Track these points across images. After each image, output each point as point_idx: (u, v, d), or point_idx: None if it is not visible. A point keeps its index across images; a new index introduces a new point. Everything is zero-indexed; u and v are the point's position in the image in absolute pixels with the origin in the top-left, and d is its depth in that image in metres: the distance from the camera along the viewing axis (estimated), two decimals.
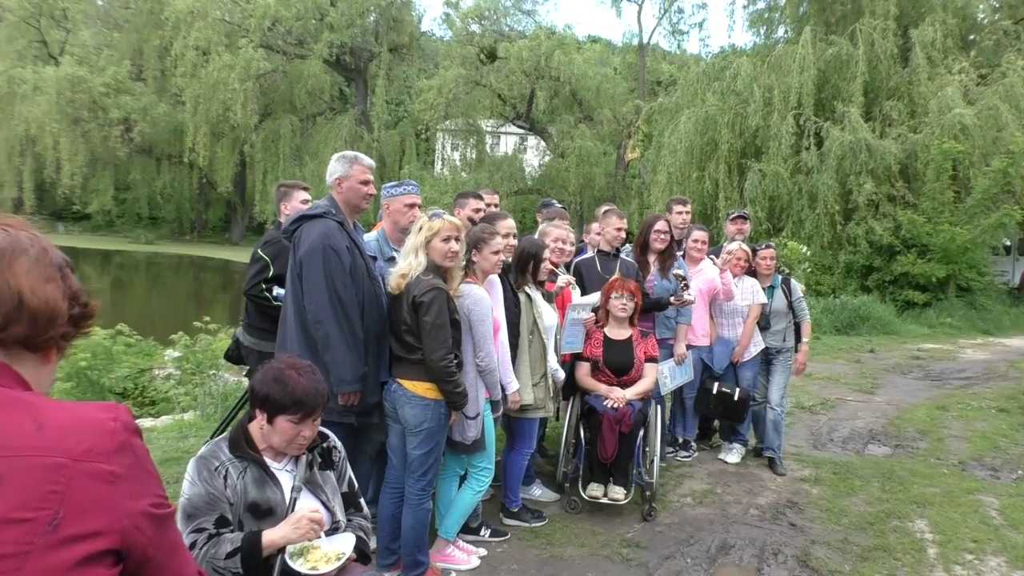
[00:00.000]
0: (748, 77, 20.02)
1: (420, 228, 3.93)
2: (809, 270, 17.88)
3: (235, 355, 4.86)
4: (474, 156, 35.76)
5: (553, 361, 4.99)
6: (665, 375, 5.94)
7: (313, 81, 35.80)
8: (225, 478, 2.60)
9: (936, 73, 19.56)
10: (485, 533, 4.75)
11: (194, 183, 42.80)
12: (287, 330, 3.92)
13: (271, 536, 2.53)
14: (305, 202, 4.92)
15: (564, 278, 5.36)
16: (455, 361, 3.85)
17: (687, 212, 6.85)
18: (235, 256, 38.30)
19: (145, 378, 8.97)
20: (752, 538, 4.96)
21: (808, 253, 18.30)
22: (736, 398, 6.33)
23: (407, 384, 3.89)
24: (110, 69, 36.25)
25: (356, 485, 3.00)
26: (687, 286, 5.82)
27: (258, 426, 2.71)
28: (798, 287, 6.74)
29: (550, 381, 4.89)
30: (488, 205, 5.61)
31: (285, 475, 2.73)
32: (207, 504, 2.55)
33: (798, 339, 6.65)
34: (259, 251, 4.48)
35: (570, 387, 5.49)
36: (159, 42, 35.64)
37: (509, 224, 4.86)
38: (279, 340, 4.05)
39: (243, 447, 2.70)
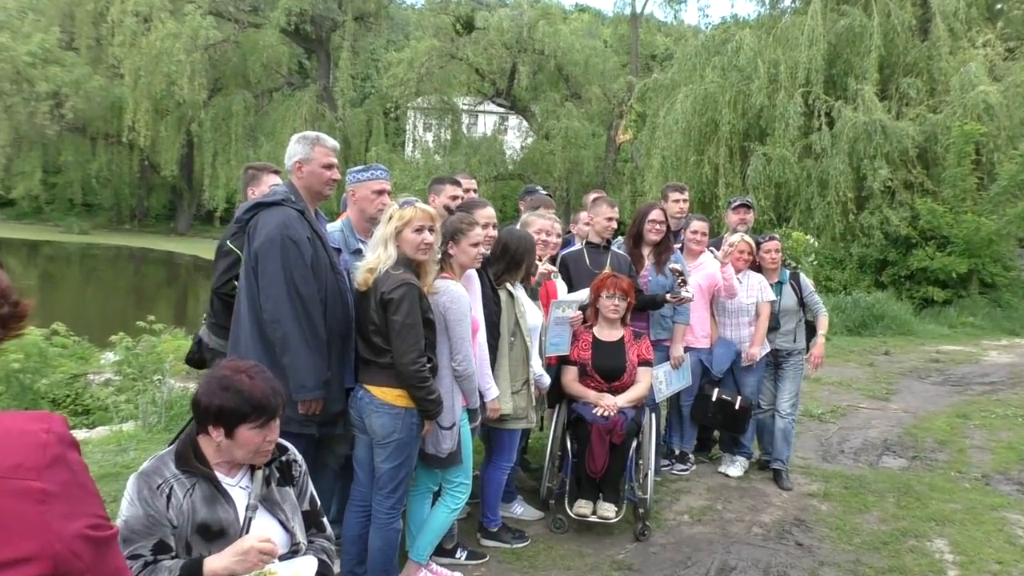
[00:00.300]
0: (752, 51, 20.08)
1: (390, 217, 3.92)
2: (817, 263, 17.97)
3: (197, 358, 4.80)
4: (449, 137, 35.73)
5: (537, 365, 5.00)
6: (660, 380, 5.96)
7: (269, 53, 35.58)
8: (168, 497, 2.56)
9: (959, 47, 19.69)
10: (461, 555, 4.75)
11: (134, 166, 42.42)
12: (240, 330, 3.89)
13: (213, 565, 2.50)
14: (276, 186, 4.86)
15: (545, 267, 5.35)
16: (428, 365, 3.85)
17: (685, 200, 6.87)
18: (181, 248, 38.07)
19: (79, 384, 8.88)
20: (755, 559, 5.00)
21: (816, 245, 18.39)
22: (737, 406, 6.35)
23: (375, 391, 3.88)
24: (36, 36, 35.81)
25: (318, 503, 2.99)
26: (685, 282, 5.82)
27: (214, 444, 2.67)
28: (809, 282, 6.78)
29: (533, 388, 4.90)
30: (466, 191, 5.60)
31: (239, 492, 2.72)
32: (145, 527, 2.51)
33: (809, 338, 6.69)
34: (228, 243, 4.44)
35: (555, 394, 5.50)
36: (93, 6, 35.30)
37: (489, 213, 4.85)
38: (231, 342, 4.02)
39: (192, 461, 2.66)
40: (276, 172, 5.02)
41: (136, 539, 2.50)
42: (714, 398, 6.35)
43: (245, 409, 2.61)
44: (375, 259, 3.88)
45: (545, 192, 6.97)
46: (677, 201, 6.80)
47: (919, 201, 17.86)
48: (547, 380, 5.17)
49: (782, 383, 6.59)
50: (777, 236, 6.85)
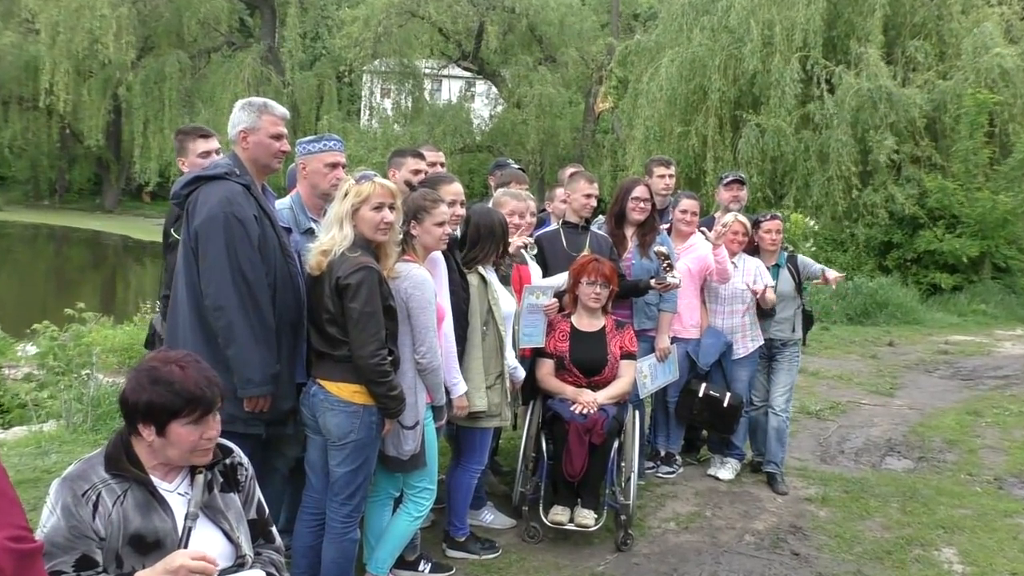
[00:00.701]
0: (744, 11, 20.07)
1: (345, 194, 3.90)
2: (814, 249, 18.03)
3: (152, 347, 4.80)
4: (410, 105, 35.47)
5: (511, 358, 5.01)
6: (645, 374, 5.98)
7: (206, 8, 35.17)
8: (95, 506, 2.54)
9: (972, 5, 19.78)
10: (425, 568, 4.76)
11: (54, 134, 41.81)
12: (178, 319, 3.86)
13: None
14: (205, 154, 4.80)
15: (520, 240, 5.33)
16: (389, 358, 3.84)
17: (671, 176, 6.91)
18: (108, 226, 37.66)
19: None
20: (748, 570, 5.06)
21: (816, 227, 18.42)
22: (725, 404, 6.38)
23: (330, 386, 3.88)
24: None
25: (266, 510, 2.99)
26: (671, 266, 5.81)
27: (146, 445, 2.66)
28: (806, 259, 6.84)
29: (507, 382, 4.91)
30: (432, 165, 5.59)
31: (178, 499, 2.71)
32: (67, 540, 2.49)
33: (807, 328, 6.75)
34: (173, 232, 4.43)
35: (530, 390, 5.51)
36: None
37: (456, 189, 4.84)
38: (167, 332, 4.00)
39: (123, 464, 2.64)
40: (206, 136, 4.95)
41: (57, 553, 2.47)
42: (701, 394, 6.38)
43: (177, 403, 2.59)
44: (329, 240, 3.86)
45: (517, 166, 6.96)
46: (663, 176, 6.83)
47: (928, 177, 17.97)
48: (522, 373, 5.18)
49: (776, 376, 6.64)
50: (780, 215, 6.87)
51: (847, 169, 18.17)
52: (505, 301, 4.93)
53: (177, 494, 2.72)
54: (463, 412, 4.62)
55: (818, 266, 6.82)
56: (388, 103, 36.39)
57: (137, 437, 2.66)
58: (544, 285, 5.45)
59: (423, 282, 4.10)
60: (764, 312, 6.51)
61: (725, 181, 7.06)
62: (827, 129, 18.57)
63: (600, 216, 6.51)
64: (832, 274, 6.64)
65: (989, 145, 18.10)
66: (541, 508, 5.30)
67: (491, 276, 4.86)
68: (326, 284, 3.82)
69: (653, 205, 6.18)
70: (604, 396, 5.32)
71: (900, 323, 15.64)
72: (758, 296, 6.30)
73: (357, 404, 3.85)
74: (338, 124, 31.97)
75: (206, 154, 4.79)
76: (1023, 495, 6.64)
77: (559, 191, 6.52)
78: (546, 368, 5.45)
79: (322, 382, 3.91)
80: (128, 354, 9.46)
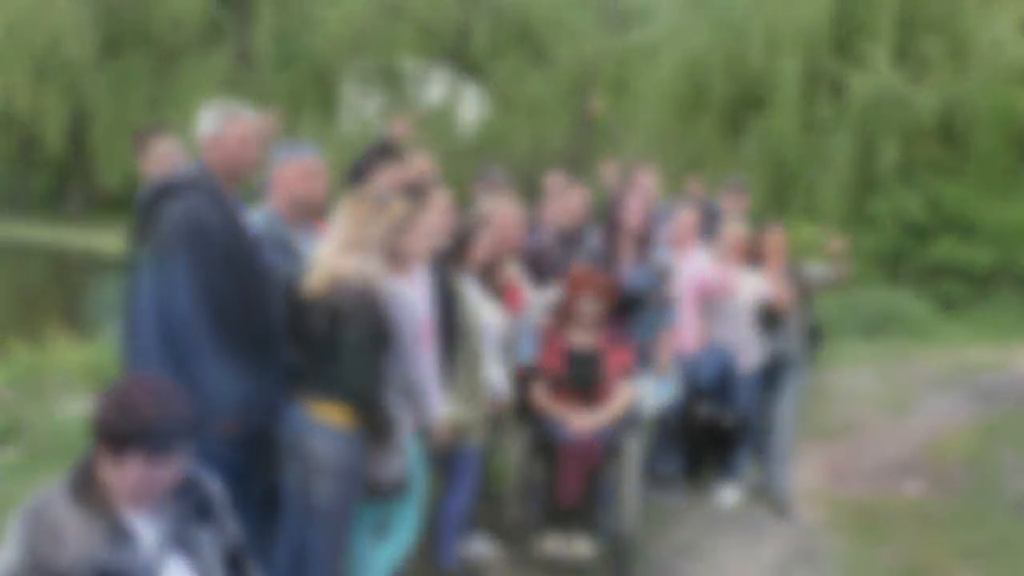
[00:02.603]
0: (747, 6, 20.16)
1: (371, 212, 3.89)
2: (821, 266, 17.96)
3: None
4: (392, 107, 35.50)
5: (495, 375, 5.00)
6: (644, 394, 5.98)
7: (176, 5, 35.08)
8: (59, 539, 2.53)
9: None
10: None
11: (12, 139, 41.64)
12: (144, 338, 3.84)
13: None
14: (168, 151, 4.79)
15: (508, 271, 5.34)
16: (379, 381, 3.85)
17: (652, 178, 6.98)
18: (70, 237, 37.45)
19: None
20: None
21: (827, 240, 18.30)
22: (727, 425, 6.36)
23: (311, 408, 3.87)
24: None
25: (242, 543, 2.98)
26: (670, 279, 5.83)
27: (103, 470, 2.65)
28: (812, 268, 6.87)
29: (485, 401, 4.91)
30: (423, 172, 5.61)
31: (147, 531, 2.69)
32: None
33: (816, 346, 6.76)
34: (133, 251, 4.41)
35: (521, 410, 5.51)
36: None
37: (442, 198, 4.85)
38: (129, 352, 3.97)
39: (89, 493, 2.63)
40: (164, 132, 4.94)
41: None
42: (700, 415, 6.38)
43: (128, 432, 2.56)
44: (355, 269, 3.81)
45: (506, 173, 6.97)
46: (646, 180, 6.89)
47: (942, 184, 17.99)
48: (506, 394, 5.18)
49: (779, 395, 6.64)
50: (782, 226, 6.88)
51: (846, 175, 18.15)
52: (490, 315, 4.93)
53: (147, 526, 2.70)
54: (446, 435, 4.61)
55: (823, 268, 6.84)
56: (368, 105, 36.39)
57: (102, 462, 2.65)
58: (537, 299, 5.45)
59: (408, 299, 4.10)
60: (765, 325, 6.52)
61: (727, 189, 7.09)
62: (834, 132, 18.59)
63: (594, 224, 6.53)
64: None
65: (1010, 151, 18.15)
66: (533, 536, 5.30)
67: (469, 287, 4.87)
68: (318, 305, 3.81)
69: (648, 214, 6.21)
70: (600, 417, 5.32)
71: (913, 337, 15.65)
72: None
73: (341, 427, 3.84)
74: (316, 128, 31.95)
75: (169, 151, 4.78)
76: None
77: (551, 198, 6.53)
78: (538, 388, 5.45)
79: (302, 404, 3.90)
80: (93, 376, 9.44)
